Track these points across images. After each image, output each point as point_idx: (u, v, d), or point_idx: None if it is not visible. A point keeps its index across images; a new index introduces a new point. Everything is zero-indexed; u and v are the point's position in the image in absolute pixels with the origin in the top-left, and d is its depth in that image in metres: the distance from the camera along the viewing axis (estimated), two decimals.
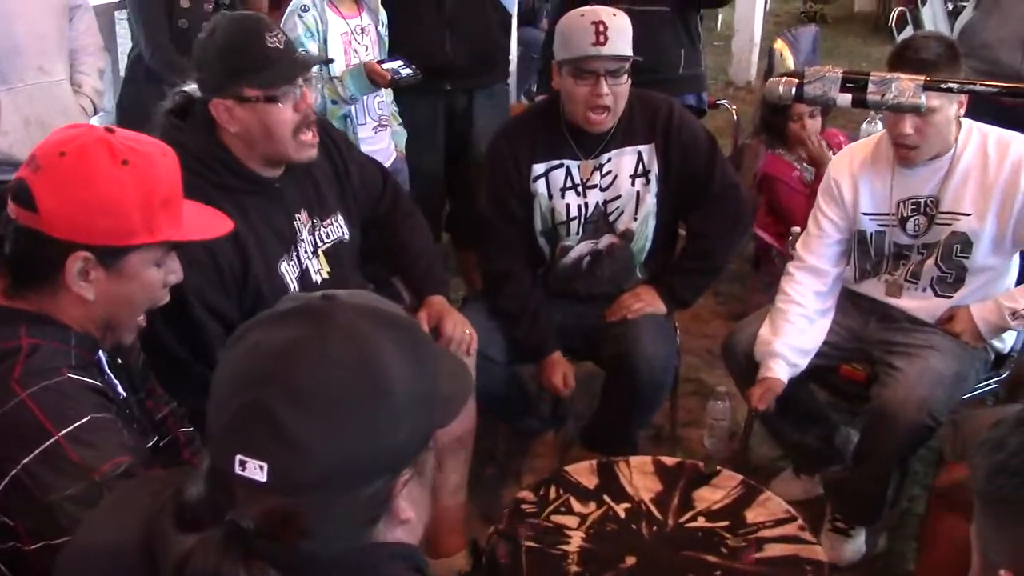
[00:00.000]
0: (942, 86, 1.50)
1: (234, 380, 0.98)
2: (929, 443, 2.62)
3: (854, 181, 2.60)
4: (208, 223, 1.65)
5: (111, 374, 1.56)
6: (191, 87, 2.13)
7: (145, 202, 1.45)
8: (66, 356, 1.44)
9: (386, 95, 3.18)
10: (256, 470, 0.92)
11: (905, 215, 2.56)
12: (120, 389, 1.58)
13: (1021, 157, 2.42)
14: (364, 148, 2.88)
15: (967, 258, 2.52)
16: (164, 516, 0.97)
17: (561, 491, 2.14)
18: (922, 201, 2.53)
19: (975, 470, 0.96)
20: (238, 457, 0.93)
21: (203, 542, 0.91)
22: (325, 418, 0.93)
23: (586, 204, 2.71)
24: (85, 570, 1.05)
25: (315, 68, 2.90)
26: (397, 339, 1.00)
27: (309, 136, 2.12)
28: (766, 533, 2.01)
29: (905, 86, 1.37)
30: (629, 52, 2.54)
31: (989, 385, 2.68)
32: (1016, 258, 2.61)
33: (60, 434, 1.35)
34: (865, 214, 2.60)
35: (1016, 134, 2.49)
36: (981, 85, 1.62)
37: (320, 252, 2.27)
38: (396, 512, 1.00)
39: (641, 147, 2.69)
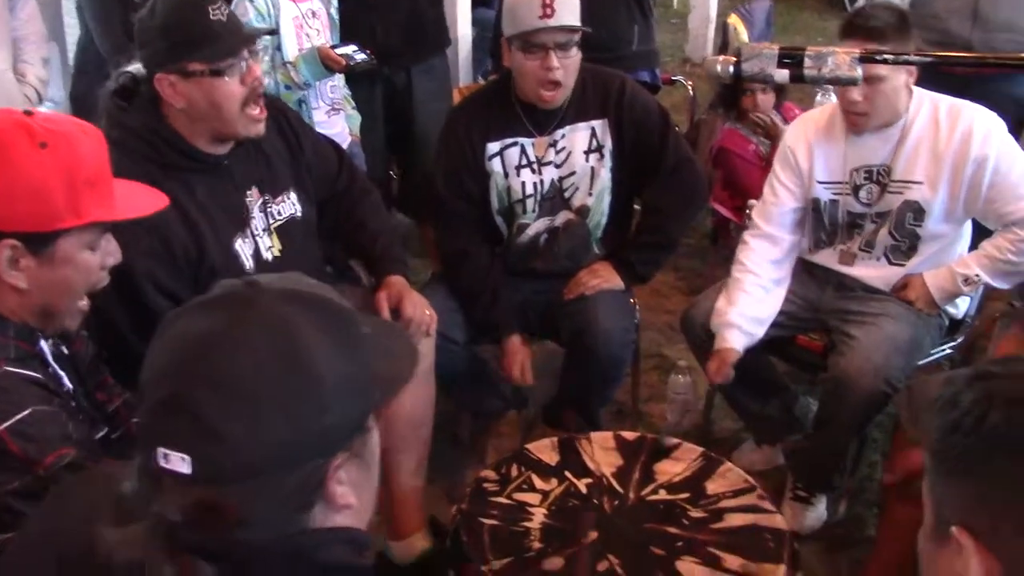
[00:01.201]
0: (877, 58, 1.51)
1: (156, 372, 0.97)
2: (887, 410, 2.65)
3: (809, 149, 2.62)
4: (142, 201, 1.61)
5: (56, 365, 1.53)
6: (134, 67, 2.10)
7: (68, 184, 1.41)
8: (4, 348, 1.41)
9: (339, 79, 3.15)
10: (180, 462, 0.92)
11: (858, 183, 2.58)
12: (66, 381, 1.55)
13: (971, 126, 2.44)
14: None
15: (920, 226, 2.54)
16: (101, 511, 0.96)
17: (523, 469, 2.14)
18: (874, 169, 2.55)
19: (928, 428, 0.97)
20: (161, 450, 0.93)
21: (128, 535, 0.90)
22: (246, 407, 0.93)
23: (541, 181, 2.71)
24: (29, 567, 1.04)
25: (266, 54, 2.88)
26: (322, 322, 0.99)
27: (257, 111, 2.09)
28: (726, 503, 2.02)
29: (841, 60, 1.38)
30: (577, 23, 2.52)
31: (944, 351, 2.71)
32: (968, 225, 2.63)
33: (0, 428, 1.33)
34: (820, 182, 2.62)
35: (967, 103, 2.51)
36: (916, 55, 1.63)
37: (272, 229, 2.24)
38: (332, 497, 0.99)
39: (594, 122, 2.68)
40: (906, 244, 2.59)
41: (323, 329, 0.98)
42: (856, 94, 2.43)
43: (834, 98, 3.61)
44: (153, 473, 0.94)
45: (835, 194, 2.62)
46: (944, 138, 2.46)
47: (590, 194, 2.74)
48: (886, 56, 1.66)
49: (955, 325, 2.73)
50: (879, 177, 2.56)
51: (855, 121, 2.51)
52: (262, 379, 0.94)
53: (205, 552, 0.91)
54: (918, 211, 2.53)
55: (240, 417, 0.92)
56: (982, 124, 2.44)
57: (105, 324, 1.89)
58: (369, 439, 1.05)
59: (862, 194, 2.59)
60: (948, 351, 2.73)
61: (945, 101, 2.51)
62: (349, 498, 1.00)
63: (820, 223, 2.67)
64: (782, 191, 2.67)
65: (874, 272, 2.64)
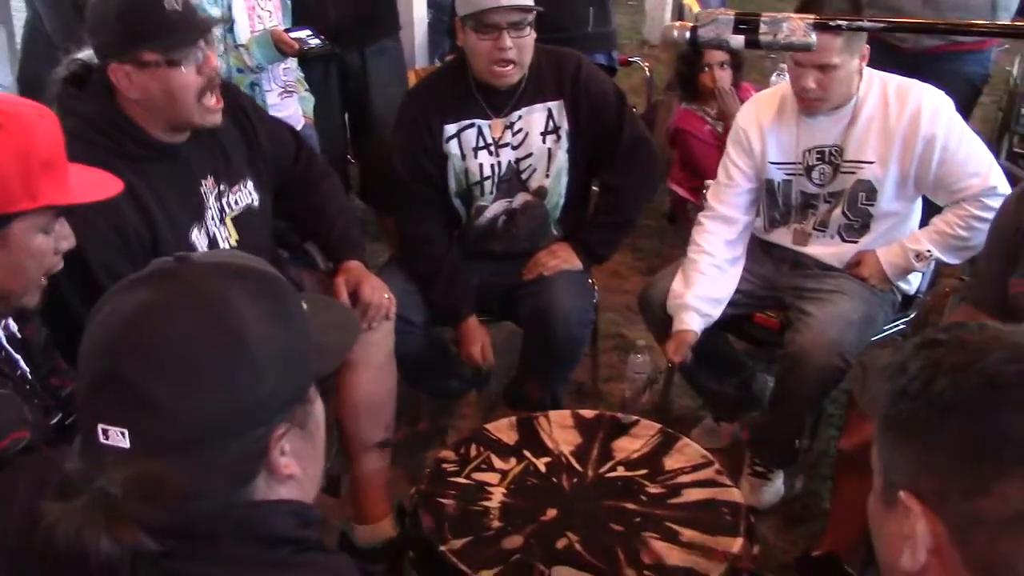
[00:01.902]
0: (831, 24, 1.52)
1: (90, 350, 0.97)
2: (842, 385, 2.69)
3: (761, 131, 2.64)
4: (96, 185, 1.59)
5: (9, 348, 1.52)
6: (86, 54, 2.06)
7: (23, 167, 1.40)
8: None
9: (291, 62, 3.12)
10: (118, 436, 0.93)
11: (811, 164, 2.61)
12: (21, 364, 1.54)
13: (920, 104, 2.47)
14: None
15: (872, 205, 2.58)
16: (45, 490, 0.96)
17: (482, 449, 2.14)
18: (827, 150, 2.58)
19: (878, 394, 0.98)
20: (100, 426, 0.94)
21: (68, 509, 0.90)
22: (179, 377, 0.93)
23: (499, 163, 2.71)
24: None
25: (219, 35, 2.84)
26: (255, 292, 0.99)
27: (213, 101, 2.07)
28: (684, 479, 2.05)
29: (795, 25, 1.38)
30: (530, 2, 2.52)
31: (897, 326, 2.75)
32: (919, 201, 2.67)
33: None
34: (772, 163, 2.64)
35: (915, 82, 2.54)
36: (870, 21, 1.64)
37: (228, 219, 2.22)
38: (276, 468, 0.99)
39: (550, 103, 2.68)
40: (859, 223, 2.62)
41: (256, 298, 0.99)
42: (810, 82, 2.45)
43: (787, 78, 3.66)
44: (95, 451, 0.94)
45: (788, 174, 2.65)
46: (894, 117, 2.49)
47: (547, 175, 2.74)
48: (839, 22, 1.67)
49: (908, 301, 2.77)
50: (831, 158, 2.58)
51: (808, 105, 2.53)
52: (193, 348, 0.94)
53: (147, 524, 0.91)
54: (870, 190, 2.56)
55: (173, 386, 0.93)
56: (930, 102, 2.47)
57: (57, 309, 1.86)
58: (312, 410, 1.05)
59: (815, 175, 2.61)
60: (901, 326, 2.77)
61: (894, 80, 2.54)
62: (293, 468, 1.00)
63: (774, 203, 2.70)
64: (735, 172, 2.69)
65: (828, 250, 2.67)
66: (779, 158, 2.64)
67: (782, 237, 2.73)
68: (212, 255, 1.04)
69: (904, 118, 2.48)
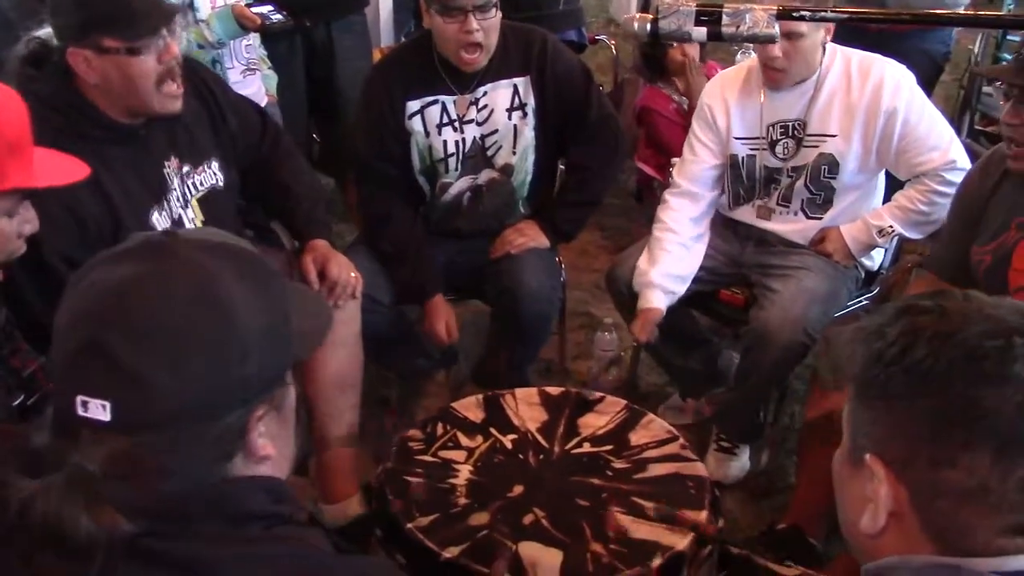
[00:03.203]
0: (794, 15, 1.53)
1: (72, 320, 0.95)
2: (806, 361, 2.71)
3: (726, 106, 2.66)
4: (62, 169, 1.58)
5: None
6: (45, 32, 2.03)
7: None
8: None
9: (254, 38, 3.09)
10: (98, 409, 0.91)
11: (775, 138, 2.62)
12: None
13: (882, 78, 2.49)
14: None
15: (834, 178, 2.60)
16: (4, 466, 0.94)
17: (448, 427, 2.14)
18: (790, 124, 2.60)
19: (850, 356, 0.98)
20: (79, 398, 0.91)
21: (45, 487, 0.89)
22: (166, 352, 0.92)
23: (463, 140, 2.69)
24: None
25: (183, 22, 2.80)
26: (242, 272, 0.99)
27: (173, 87, 2.03)
28: (649, 454, 2.05)
29: (759, 16, 1.39)
30: None
31: (860, 302, 2.78)
32: (881, 178, 2.69)
33: None
34: (737, 138, 2.66)
35: (878, 56, 2.56)
36: (832, 12, 1.64)
37: (193, 201, 2.20)
38: (253, 448, 0.99)
39: (516, 80, 2.67)
40: (821, 197, 2.64)
41: (243, 278, 0.98)
42: (776, 50, 2.46)
43: (754, 55, 3.67)
44: (70, 424, 0.92)
45: (752, 149, 2.66)
46: (856, 90, 2.51)
47: (514, 152, 2.73)
48: (803, 12, 1.68)
49: (871, 277, 2.80)
50: (795, 132, 2.60)
51: (773, 77, 2.55)
52: (182, 323, 0.93)
53: (124, 504, 0.90)
54: (832, 163, 2.58)
55: (159, 360, 0.91)
56: (892, 76, 2.49)
57: (15, 292, 1.84)
58: (288, 393, 1.05)
59: (778, 149, 2.63)
60: (864, 302, 2.79)
61: (857, 55, 2.56)
62: (269, 449, 1.00)
63: (739, 179, 2.71)
64: (701, 149, 2.71)
65: (792, 227, 2.69)
66: (743, 133, 2.66)
67: (746, 214, 2.75)
68: (198, 232, 1.03)
69: (867, 92, 2.50)
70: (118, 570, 0.90)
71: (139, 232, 1.02)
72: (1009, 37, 4.58)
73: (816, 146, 2.58)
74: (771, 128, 2.62)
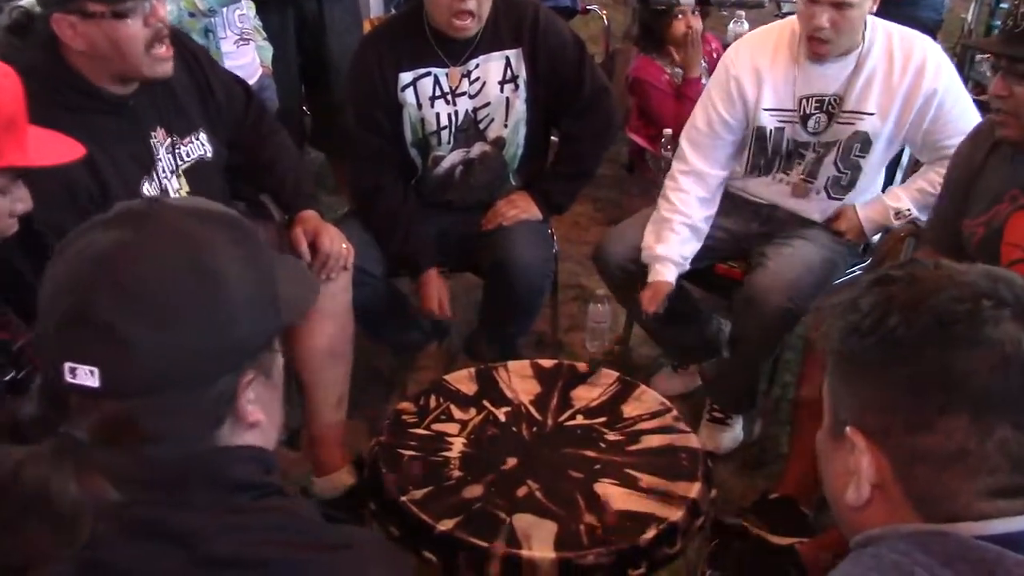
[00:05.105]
0: None
1: (58, 288, 0.94)
2: (798, 332, 2.72)
3: (758, 76, 2.55)
4: (57, 148, 1.56)
5: None
6: (28, 1, 2.00)
7: None
8: None
9: (247, 7, 3.05)
10: (87, 375, 0.90)
11: (808, 112, 2.54)
12: None
13: (924, 59, 2.45)
14: (227, 63, 2.76)
15: (864, 158, 2.55)
16: None
17: (441, 400, 2.14)
18: (826, 99, 2.52)
19: (830, 329, 0.99)
20: (67, 364, 0.91)
21: (33, 455, 0.88)
22: (154, 316, 0.91)
23: (456, 112, 2.67)
24: None
25: None
26: (229, 237, 0.98)
27: (163, 50, 2.01)
28: (642, 425, 2.06)
29: None
30: None
31: (853, 272, 2.77)
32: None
33: None
34: (767, 110, 2.56)
35: (917, 33, 2.52)
36: None
37: (180, 171, 2.18)
38: (242, 414, 0.99)
39: (508, 52, 2.65)
40: (847, 176, 2.59)
41: (230, 242, 0.98)
42: (824, 20, 2.35)
43: (746, 25, 3.64)
44: (58, 392, 0.92)
45: (782, 121, 2.57)
46: (898, 73, 2.45)
47: (505, 125, 2.71)
48: None
49: (865, 247, 2.79)
50: (830, 107, 2.52)
51: (818, 49, 2.44)
52: (170, 287, 0.93)
53: (113, 472, 0.90)
54: (865, 142, 2.53)
55: (149, 324, 0.91)
56: (934, 58, 2.45)
57: (3, 263, 1.82)
58: (276, 359, 1.05)
59: (810, 123, 2.55)
60: (857, 272, 2.79)
61: (897, 31, 2.49)
62: (258, 415, 1.00)
63: (763, 150, 2.63)
64: (719, 125, 2.60)
65: (811, 206, 2.65)
66: (774, 104, 2.56)
67: (760, 188, 2.70)
68: (183, 200, 1.02)
69: (909, 73, 2.45)
70: (106, 539, 0.90)
71: (128, 201, 1.01)
72: (1002, 4, 4.57)
73: (851, 123, 2.51)
74: (805, 101, 2.53)
